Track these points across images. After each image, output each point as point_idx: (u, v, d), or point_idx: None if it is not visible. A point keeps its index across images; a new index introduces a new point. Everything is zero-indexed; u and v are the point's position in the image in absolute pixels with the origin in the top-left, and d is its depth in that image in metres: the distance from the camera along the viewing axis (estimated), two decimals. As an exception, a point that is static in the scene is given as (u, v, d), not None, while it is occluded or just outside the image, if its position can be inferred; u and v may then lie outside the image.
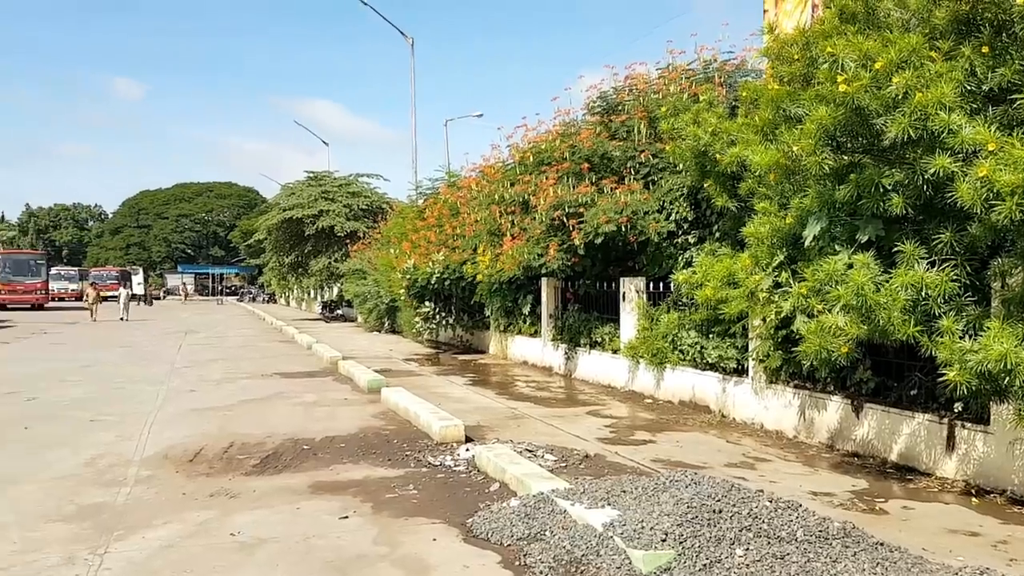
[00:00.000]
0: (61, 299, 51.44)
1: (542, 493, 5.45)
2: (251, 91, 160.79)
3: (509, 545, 4.79)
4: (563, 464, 6.78)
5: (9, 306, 38.62)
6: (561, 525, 4.90)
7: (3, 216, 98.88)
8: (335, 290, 33.52)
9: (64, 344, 19.65)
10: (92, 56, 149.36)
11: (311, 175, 33.68)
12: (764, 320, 7.50)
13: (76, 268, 65.18)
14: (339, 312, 32.14)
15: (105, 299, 44.29)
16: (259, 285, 65.18)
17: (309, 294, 42.46)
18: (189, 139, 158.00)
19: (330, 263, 30.84)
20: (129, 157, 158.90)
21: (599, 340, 12.18)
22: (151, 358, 16.42)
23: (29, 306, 38.87)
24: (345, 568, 4.47)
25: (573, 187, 11.92)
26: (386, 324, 23.55)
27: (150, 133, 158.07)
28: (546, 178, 12.38)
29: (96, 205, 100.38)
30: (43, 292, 40.33)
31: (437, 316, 17.67)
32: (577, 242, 11.47)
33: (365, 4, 26.22)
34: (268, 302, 57.70)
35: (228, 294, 72.51)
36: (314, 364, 15.07)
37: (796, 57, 6.96)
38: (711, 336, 9.50)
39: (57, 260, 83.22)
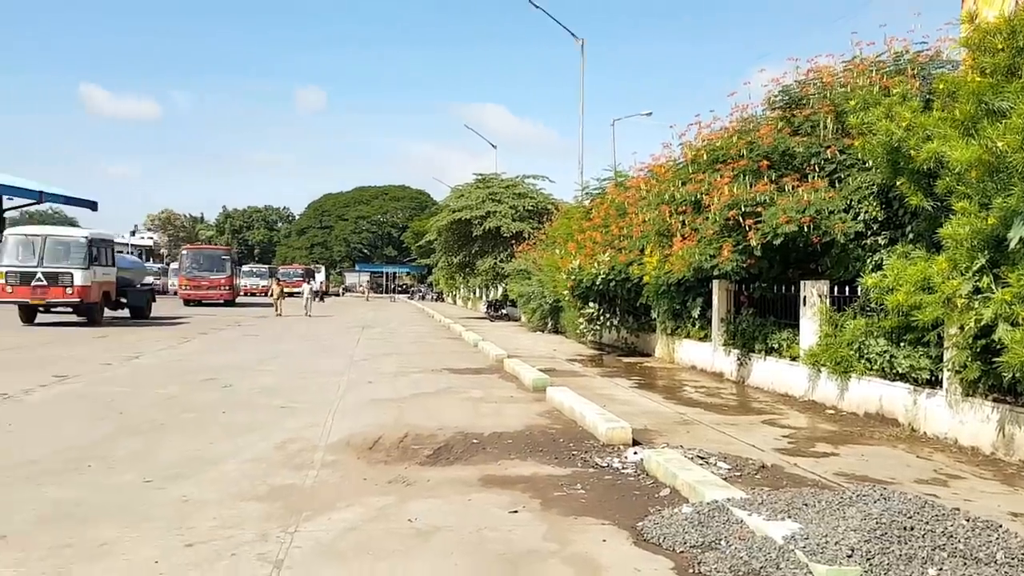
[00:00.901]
0: (252, 294, 55.44)
1: (716, 501, 5.28)
2: (423, 97, 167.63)
3: (682, 552, 4.66)
4: (737, 473, 6.54)
5: (193, 302, 38.34)
6: (737, 535, 4.72)
7: (203, 217, 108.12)
8: (500, 290, 34.18)
9: (255, 336, 21.15)
10: (280, 69, 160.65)
11: (479, 177, 34.54)
12: (962, 328, 6.93)
13: (267, 266, 70.14)
14: (503, 311, 32.74)
15: (289, 295, 47.18)
16: (428, 284, 67.61)
17: (475, 293, 43.57)
18: (367, 144, 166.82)
19: (496, 263, 31.49)
20: (314, 163, 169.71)
21: (775, 346, 11.68)
22: (332, 351, 17.36)
23: (222, 302, 38.72)
24: (517, 562, 4.51)
25: (750, 185, 11.49)
26: (549, 324, 23.72)
27: (332, 140, 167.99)
28: (720, 176, 12.01)
29: (284, 208, 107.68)
30: (228, 288, 39.39)
31: (601, 317, 17.59)
32: (753, 243, 11.05)
33: (536, 7, 26.52)
34: (436, 300, 59.74)
35: (400, 292, 75.73)
36: (480, 361, 15.41)
37: (1000, 47, 6.40)
38: (902, 344, 8.87)
39: (249, 258, 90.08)
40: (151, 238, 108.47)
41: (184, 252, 41.61)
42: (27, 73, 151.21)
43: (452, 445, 7.51)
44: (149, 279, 31.47)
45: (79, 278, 22.03)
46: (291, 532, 4.90)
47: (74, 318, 23.60)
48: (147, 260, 71.61)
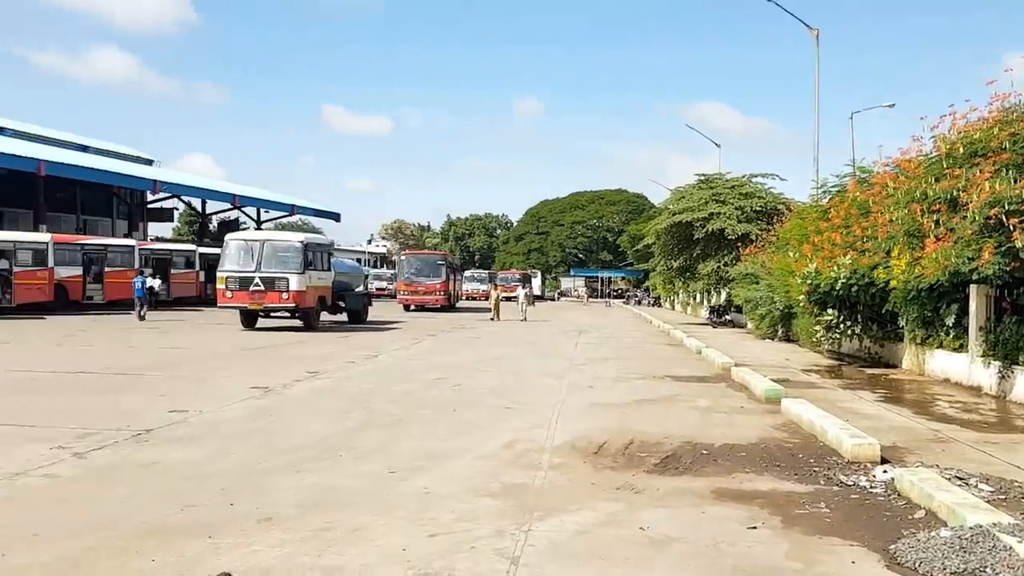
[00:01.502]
0: (474, 298, 57.71)
1: (980, 526, 4.74)
2: (638, 99, 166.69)
3: (943, 581, 4.21)
4: (1002, 496, 5.85)
5: (413, 307, 38.15)
6: (1006, 563, 4.22)
7: (430, 225, 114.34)
8: (723, 295, 33.12)
9: (477, 339, 21.96)
10: (498, 79, 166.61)
11: (701, 178, 33.65)
12: None
13: (487, 271, 72.82)
14: (727, 317, 31.64)
15: (506, 299, 48.39)
16: (644, 288, 67.00)
17: (695, 298, 42.53)
18: (583, 150, 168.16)
19: (719, 267, 30.48)
20: (531, 170, 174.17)
21: (1044, 358, 10.35)
22: (551, 354, 17.64)
23: (438, 307, 38.25)
24: (758, 580, 4.28)
25: (1014, 181, 10.28)
26: (779, 332, 22.61)
27: (549, 146, 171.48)
28: (980, 171, 10.84)
29: (503, 214, 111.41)
30: (443, 293, 38.49)
31: (841, 325, 16.43)
32: (1019, 245, 9.87)
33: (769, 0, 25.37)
34: (653, 305, 59.04)
35: (615, 297, 75.68)
36: (704, 369, 14.97)
37: None
38: None
39: (470, 264, 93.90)
40: (384, 246, 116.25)
41: (403, 258, 41.84)
42: (275, 98, 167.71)
43: (680, 455, 7.32)
44: (371, 284, 32.92)
45: (295, 283, 21.77)
46: (525, 531, 4.97)
47: (292, 323, 23.73)
48: (380, 266, 76.99)
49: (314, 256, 23.04)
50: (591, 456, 7.18)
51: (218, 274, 22.50)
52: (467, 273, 66.27)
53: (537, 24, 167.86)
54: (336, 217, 60.59)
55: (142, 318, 26.13)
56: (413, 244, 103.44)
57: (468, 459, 6.95)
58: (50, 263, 28.87)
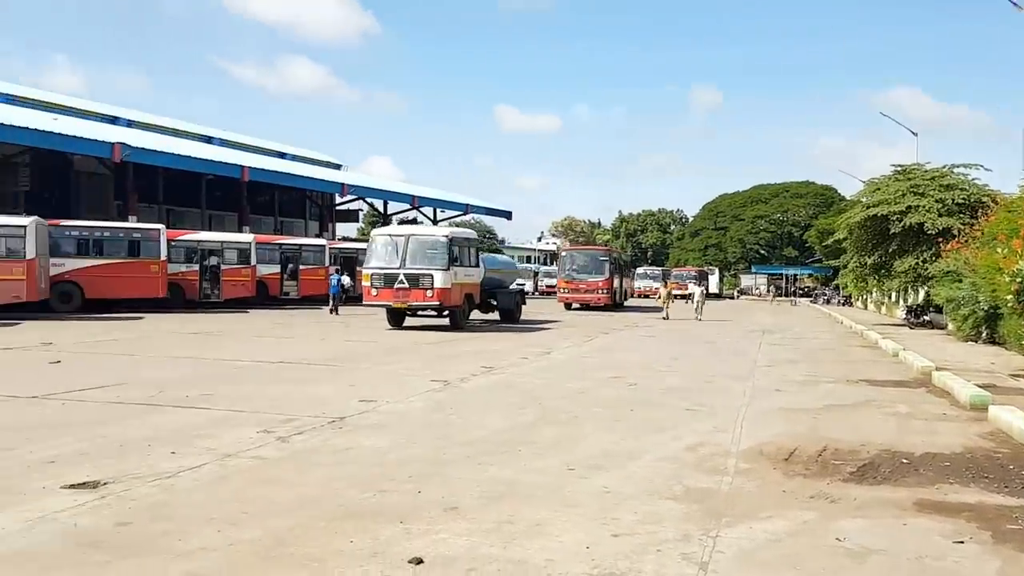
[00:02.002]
0: (646, 296, 56.95)
1: None
2: (827, 86, 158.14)
3: None
4: None
5: (575, 305, 36.00)
6: None
7: (600, 222, 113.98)
8: (921, 294, 30.75)
9: (652, 338, 21.62)
10: (672, 70, 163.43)
11: (898, 168, 31.36)
12: None
13: (659, 268, 71.70)
14: (925, 318, 29.32)
15: (679, 297, 47.12)
16: (833, 287, 63.47)
17: (890, 297, 39.77)
18: (765, 141, 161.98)
19: (917, 264, 28.28)
20: (708, 163, 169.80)
21: None
22: (732, 355, 17.06)
23: (601, 305, 35.61)
24: (974, 604, 3.91)
25: None
26: (983, 334, 20.71)
27: (727, 138, 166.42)
28: None
29: (678, 210, 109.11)
30: (606, 291, 35.65)
31: (1057, 327, 14.81)
32: None
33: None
34: (843, 305, 55.79)
35: (801, 295, 72.20)
36: (902, 373, 13.95)
37: None
38: None
39: (643, 261, 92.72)
40: (555, 243, 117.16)
41: (563, 253, 39.29)
42: (450, 102, 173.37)
43: (878, 463, 6.84)
44: (541, 281, 31.88)
45: (439, 280, 20.42)
46: (712, 536, 4.80)
47: (440, 321, 22.71)
48: (551, 264, 77.64)
49: (460, 251, 21.67)
50: (781, 462, 6.85)
51: (363, 271, 21.78)
52: (639, 270, 65.57)
53: (711, 11, 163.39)
54: (508, 215, 61.83)
55: (335, 312, 27.85)
56: (583, 241, 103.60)
57: (648, 460, 6.82)
58: (252, 261, 31.35)
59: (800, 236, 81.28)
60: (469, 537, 4.64)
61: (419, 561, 4.20)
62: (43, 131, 29.08)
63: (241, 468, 6.19)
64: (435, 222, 58.87)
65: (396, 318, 21.89)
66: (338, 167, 58.30)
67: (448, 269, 20.62)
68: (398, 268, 20.66)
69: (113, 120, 42.10)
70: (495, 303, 24.68)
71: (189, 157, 35.87)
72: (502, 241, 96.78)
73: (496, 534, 4.71)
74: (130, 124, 42.61)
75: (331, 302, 28.61)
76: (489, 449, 7.01)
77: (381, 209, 57.60)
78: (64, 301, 25.58)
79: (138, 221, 31.74)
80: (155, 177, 37.79)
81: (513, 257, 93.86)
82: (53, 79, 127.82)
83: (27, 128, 28.59)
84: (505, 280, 26.26)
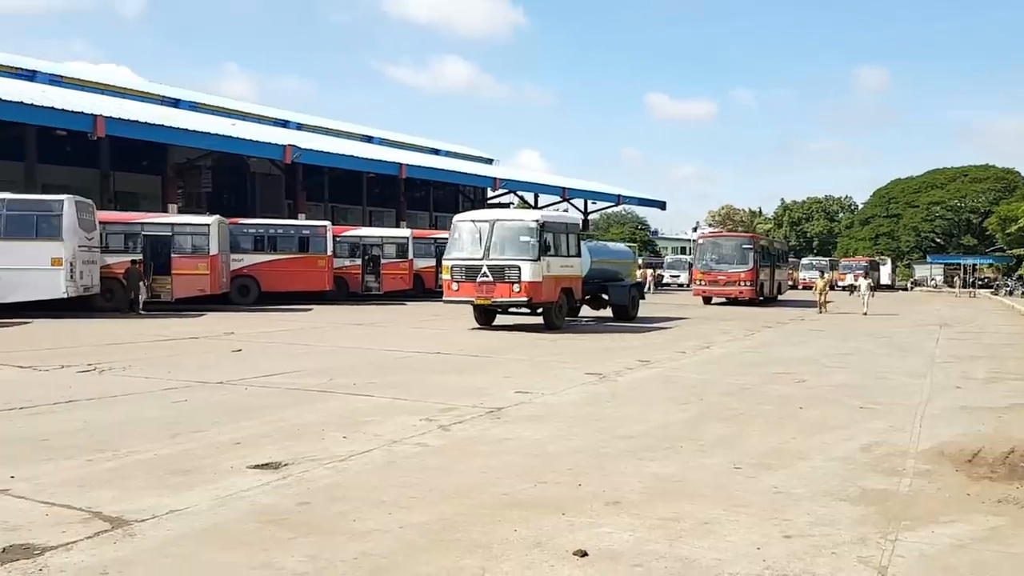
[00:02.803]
0: (808, 288, 54.30)
1: None
2: (1007, 62, 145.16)
3: None
4: None
5: (715, 299, 32.36)
6: None
7: (761, 211, 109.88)
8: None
9: (819, 332, 20.62)
10: (835, 49, 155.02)
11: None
12: None
13: (826, 258, 68.29)
14: None
15: (842, 289, 44.44)
16: (1017, 277, 58.32)
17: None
18: (941, 122, 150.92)
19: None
20: (877, 147, 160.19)
21: None
22: (907, 350, 16.02)
23: (746, 300, 31.30)
24: None
25: None
26: None
27: (898, 120, 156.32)
28: None
29: (846, 196, 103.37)
30: (749, 283, 31.21)
31: None
32: None
33: None
34: (1029, 297, 51.14)
35: (981, 286, 66.81)
36: (1105, 371, 12.62)
37: None
38: None
39: (807, 251, 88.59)
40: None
41: (699, 241, 35.05)
42: (598, 93, 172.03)
43: (1082, 469, 6.21)
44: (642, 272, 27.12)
45: (527, 272, 17.53)
46: (891, 540, 4.52)
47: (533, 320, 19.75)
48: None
49: (555, 239, 18.59)
50: (964, 464, 6.36)
51: (444, 262, 19.06)
52: (804, 260, 62.80)
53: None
54: (662, 205, 60.81)
55: None
56: (743, 230, 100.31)
57: (820, 460, 6.51)
58: (410, 255, 32.47)
59: (979, 223, 75.19)
60: (633, 532, 4.59)
61: (583, 554, 4.19)
62: (224, 135, 31.33)
63: (407, 454, 6.41)
64: (586, 214, 58.79)
65: (485, 316, 19.26)
66: (490, 162, 59.34)
67: (538, 259, 17.65)
68: (481, 259, 17.84)
69: (284, 123, 44.77)
70: (607, 298, 22.15)
71: (352, 157, 37.58)
72: (655, 232, 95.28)
73: (661, 530, 4.63)
74: (299, 127, 45.15)
75: None
76: (650, 444, 6.91)
77: (532, 202, 58.12)
78: (242, 294, 27.46)
79: (306, 218, 33.62)
80: (321, 176, 39.89)
81: (666, 248, 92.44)
82: (227, 86, 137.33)
83: (209, 133, 30.90)
84: (620, 272, 23.22)
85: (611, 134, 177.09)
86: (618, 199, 57.33)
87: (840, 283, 51.23)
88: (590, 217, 61.96)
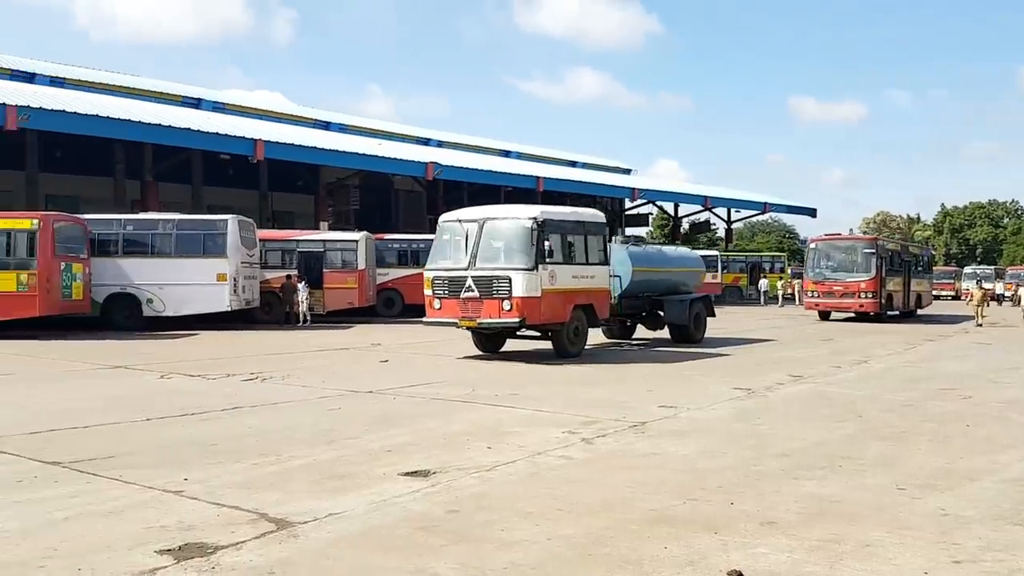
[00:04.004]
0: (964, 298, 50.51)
1: None
2: None
3: None
4: None
5: (829, 313, 27.46)
6: None
7: (919, 217, 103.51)
8: None
9: (984, 345, 19.21)
10: (994, 48, 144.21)
11: None
12: None
13: (991, 267, 63.60)
14: None
15: (995, 299, 40.78)
16: None
17: None
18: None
19: None
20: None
21: None
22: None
23: (868, 313, 26.51)
24: None
25: None
26: None
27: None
28: None
29: (1012, 201, 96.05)
30: (871, 295, 26.09)
31: None
32: None
33: None
34: None
35: None
36: None
37: None
38: None
39: (970, 259, 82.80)
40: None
41: (811, 246, 29.09)
42: (738, 99, 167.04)
43: None
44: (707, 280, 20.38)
45: (519, 285, 13.30)
46: (1087, 576, 4.11)
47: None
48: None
49: (563, 241, 14.34)
50: None
51: (425, 273, 14.74)
52: (967, 269, 58.78)
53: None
54: (812, 213, 58.33)
55: None
56: (900, 238, 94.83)
57: (990, 481, 6.04)
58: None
59: None
60: (791, 554, 4.39)
61: (739, 574, 4.04)
62: (371, 155, 32.69)
63: (551, 466, 6.42)
64: (729, 223, 57.27)
65: (487, 340, 15.25)
66: (628, 172, 58.92)
67: (534, 268, 13.40)
68: (466, 269, 13.75)
69: (425, 141, 46.18)
70: (663, 315, 18.02)
71: (490, 171, 38.30)
72: (804, 241, 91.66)
73: (820, 552, 4.41)
74: (439, 144, 46.46)
75: None
76: (805, 463, 6.61)
77: (671, 212, 57.26)
78: (387, 307, 28.46)
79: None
80: (460, 191, 40.85)
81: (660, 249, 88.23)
82: (369, 106, 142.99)
83: (357, 153, 32.33)
84: (684, 282, 18.94)
85: (753, 140, 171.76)
86: (764, 207, 55.52)
87: (1006, 293, 47.44)
88: (734, 226, 60.37)
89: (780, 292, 40.86)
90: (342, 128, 42.49)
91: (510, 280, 13.39)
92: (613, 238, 17.16)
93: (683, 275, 19.15)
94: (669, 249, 21.07)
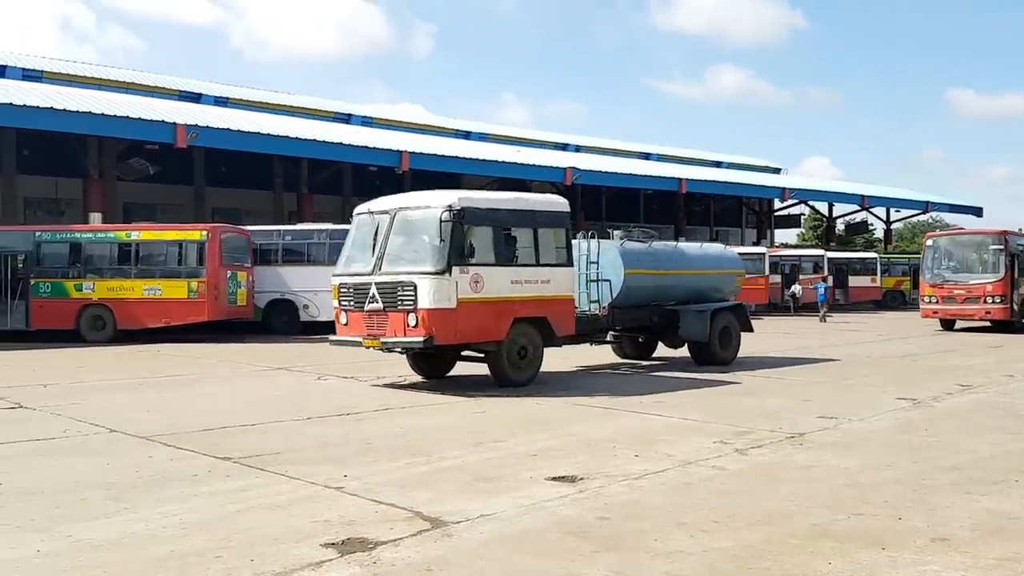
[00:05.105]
0: None
1: None
2: None
3: None
4: None
5: (948, 321, 23.35)
6: None
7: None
8: None
9: None
10: None
11: None
12: None
13: None
14: None
15: None
16: None
17: None
18: None
19: None
20: None
21: None
22: None
23: (997, 320, 22.37)
24: None
25: None
26: None
27: None
28: None
29: None
30: (999, 299, 21.85)
31: None
32: None
33: None
34: None
35: None
36: None
37: None
38: None
39: None
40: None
41: (929, 243, 24.75)
42: (890, 93, 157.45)
43: None
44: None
45: (426, 294, 10.37)
46: None
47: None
48: None
49: (498, 237, 11.21)
50: None
51: (332, 279, 11.79)
52: None
53: None
54: (977, 212, 54.36)
55: (824, 320, 28.39)
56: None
57: None
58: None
59: None
60: (966, 572, 4.10)
61: (911, 594, 3.80)
62: (509, 163, 33.15)
63: (703, 476, 6.26)
64: (888, 224, 54.20)
65: (423, 363, 12.38)
66: (777, 171, 56.87)
67: (446, 272, 10.39)
68: (370, 274, 10.93)
69: (563, 146, 46.33)
70: (681, 329, 14.26)
71: (629, 175, 37.97)
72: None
73: (999, 571, 4.10)
74: (578, 149, 46.51)
75: (820, 309, 29.36)
76: (978, 477, 6.14)
77: (825, 212, 54.75)
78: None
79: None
80: (599, 196, 40.72)
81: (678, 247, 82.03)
82: (505, 114, 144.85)
83: (496, 161, 32.89)
84: (717, 287, 15.45)
85: (908, 136, 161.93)
86: (926, 206, 52.25)
87: None
88: (893, 226, 57.13)
89: None
90: (482, 137, 43.34)
91: (415, 287, 10.46)
92: (613, 233, 14.57)
93: (711, 279, 15.36)
94: (690, 246, 16.42)
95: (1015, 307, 22.10)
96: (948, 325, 23.50)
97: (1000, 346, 18.34)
